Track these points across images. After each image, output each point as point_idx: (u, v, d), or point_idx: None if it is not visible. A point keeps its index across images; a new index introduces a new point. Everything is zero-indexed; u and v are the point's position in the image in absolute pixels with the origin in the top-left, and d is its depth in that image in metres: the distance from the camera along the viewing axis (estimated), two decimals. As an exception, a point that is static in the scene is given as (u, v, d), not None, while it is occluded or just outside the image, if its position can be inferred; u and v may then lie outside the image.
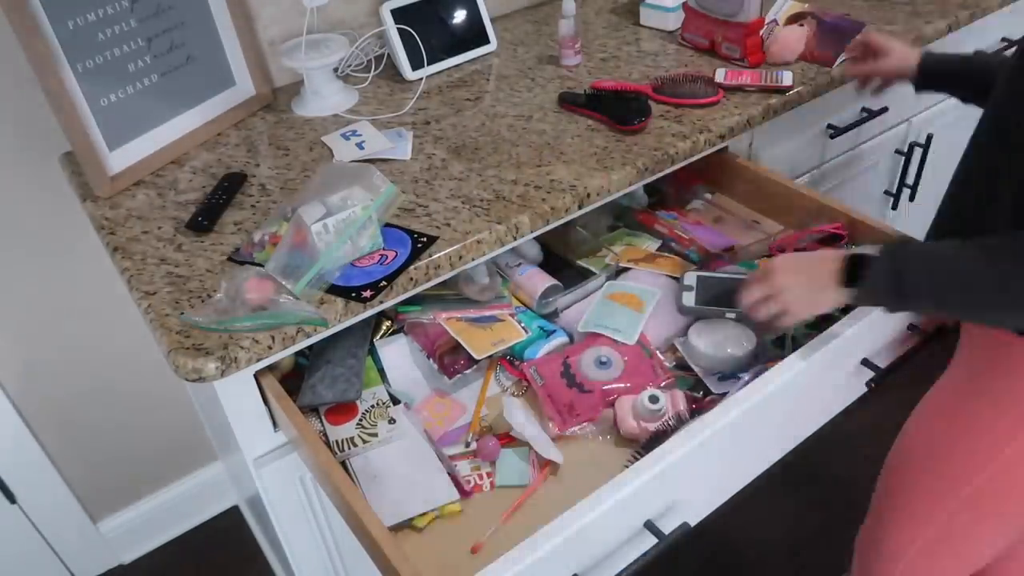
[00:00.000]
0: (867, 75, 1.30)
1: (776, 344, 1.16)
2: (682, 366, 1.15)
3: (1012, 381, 0.94)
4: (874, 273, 0.90)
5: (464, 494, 1.01)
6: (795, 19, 1.52)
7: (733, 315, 1.14)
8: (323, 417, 1.10)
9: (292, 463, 1.09)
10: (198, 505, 1.86)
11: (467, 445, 1.08)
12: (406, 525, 0.99)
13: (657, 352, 1.15)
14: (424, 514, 0.99)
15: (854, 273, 0.92)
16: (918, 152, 1.75)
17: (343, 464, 1.03)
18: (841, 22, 1.49)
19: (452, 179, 1.18)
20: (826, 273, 0.93)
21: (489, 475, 1.05)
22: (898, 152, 1.77)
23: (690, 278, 1.20)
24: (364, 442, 1.06)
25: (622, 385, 1.10)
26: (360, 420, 1.09)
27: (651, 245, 1.38)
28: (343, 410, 1.10)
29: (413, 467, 1.05)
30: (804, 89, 1.38)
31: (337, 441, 1.06)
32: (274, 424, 1.07)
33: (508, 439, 1.08)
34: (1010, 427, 0.96)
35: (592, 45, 1.55)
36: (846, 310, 1.03)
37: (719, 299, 1.16)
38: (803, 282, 0.95)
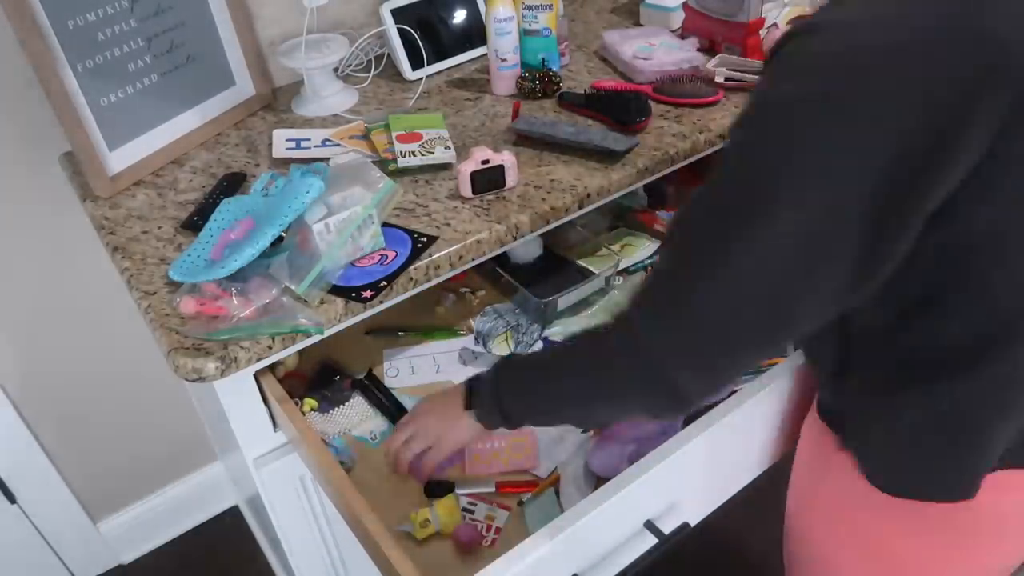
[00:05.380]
0: None
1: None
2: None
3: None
4: (480, 400, 0.88)
5: (466, 544, 0.98)
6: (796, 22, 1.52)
7: None
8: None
9: (292, 463, 1.09)
10: (198, 505, 1.85)
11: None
12: (406, 536, 0.98)
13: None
14: (426, 526, 0.98)
15: (471, 400, 0.90)
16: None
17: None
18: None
19: (452, 179, 1.18)
20: (455, 405, 0.92)
21: (499, 530, 1.01)
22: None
23: None
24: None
25: None
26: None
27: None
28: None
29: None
30: (804, 89, 1.37)
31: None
32: (274, 424, 1.07)
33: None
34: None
35: (592, 45, 1.55)
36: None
37: None
38: (439, 416, 0.94)
